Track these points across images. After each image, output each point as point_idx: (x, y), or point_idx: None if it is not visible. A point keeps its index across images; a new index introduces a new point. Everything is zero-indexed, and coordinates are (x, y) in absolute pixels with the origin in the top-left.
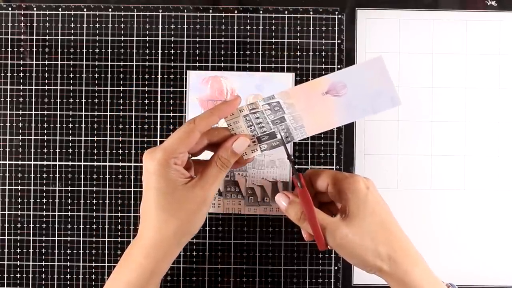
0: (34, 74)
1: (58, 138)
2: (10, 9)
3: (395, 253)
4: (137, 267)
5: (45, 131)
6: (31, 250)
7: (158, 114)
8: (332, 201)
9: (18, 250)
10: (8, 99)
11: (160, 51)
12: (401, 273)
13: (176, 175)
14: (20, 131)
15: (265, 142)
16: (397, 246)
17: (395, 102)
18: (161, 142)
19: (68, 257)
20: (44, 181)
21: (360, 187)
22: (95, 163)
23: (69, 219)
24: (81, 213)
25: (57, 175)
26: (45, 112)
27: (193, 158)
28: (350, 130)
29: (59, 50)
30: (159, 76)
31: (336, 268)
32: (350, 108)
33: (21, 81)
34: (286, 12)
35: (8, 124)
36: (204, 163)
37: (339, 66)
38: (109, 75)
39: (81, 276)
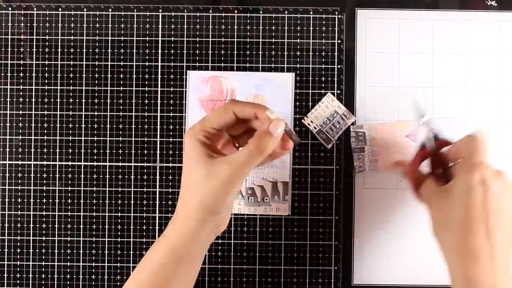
0: (34, 74)
1: (58, 138)
2: (10, 9)
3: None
4: (163, 241)
5: (45, 131)
6: (31, 250)
7: (158, 114)
8: None
9: (18, 250)
10: (8, 99)
11: (160, 51)
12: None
13: (207, 148)
14: (20, 131)
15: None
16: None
17: None
18: (160, 142)
19: (68, 257)
20: (44, 181)
21: (471, 177)
22: (95, 163)
23: (69, 219)
24: (81, 213)
25: (57, 175)
26: (45, 112)
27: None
28: (349, 130)
29: (59, 50)
30: (159, 76)
31: (336, 268)
32: None
33: (21, 81)
34: (286, 12)
35: (8, 124)
36: None
37: (339, 66)
38: (109, 75)
39: (81, 276)
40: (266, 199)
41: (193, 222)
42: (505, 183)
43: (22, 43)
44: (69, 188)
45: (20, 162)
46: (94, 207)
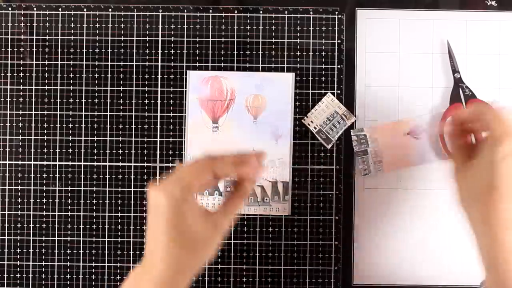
0: (34, 74)
1: (58, 138)
2: (10, 9)
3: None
4: None
5: (45, 131)
6: (31, 250)
7: (158, 114)
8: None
9: (18, 250)
10: (8, 99)
11: (160, 51)
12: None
13: (196, 208)
14: (20, 131)
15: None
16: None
17: None
18: (160, 142)
19: (68, 257)
20: (44, 181)
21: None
22: (95, 163)
23: (69, 219)
24: (81, 213)
25: (57, 175)
26: (45, 112)
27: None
28: (349, 130)
29: (59, 50)
30: (159, 76)
31: (336, 268)
32: (425, 152)
33: (21, 81)
34: (286, 12)
35: (8, 124)
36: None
37: (339, 66)
38: (109, 75)
39: (81, 276)
40: (266, 199)
41: (182, 281)
42: None
43: (22, 43)
44: (69, 188)
45: (20, 162)
46: (94, 207)
